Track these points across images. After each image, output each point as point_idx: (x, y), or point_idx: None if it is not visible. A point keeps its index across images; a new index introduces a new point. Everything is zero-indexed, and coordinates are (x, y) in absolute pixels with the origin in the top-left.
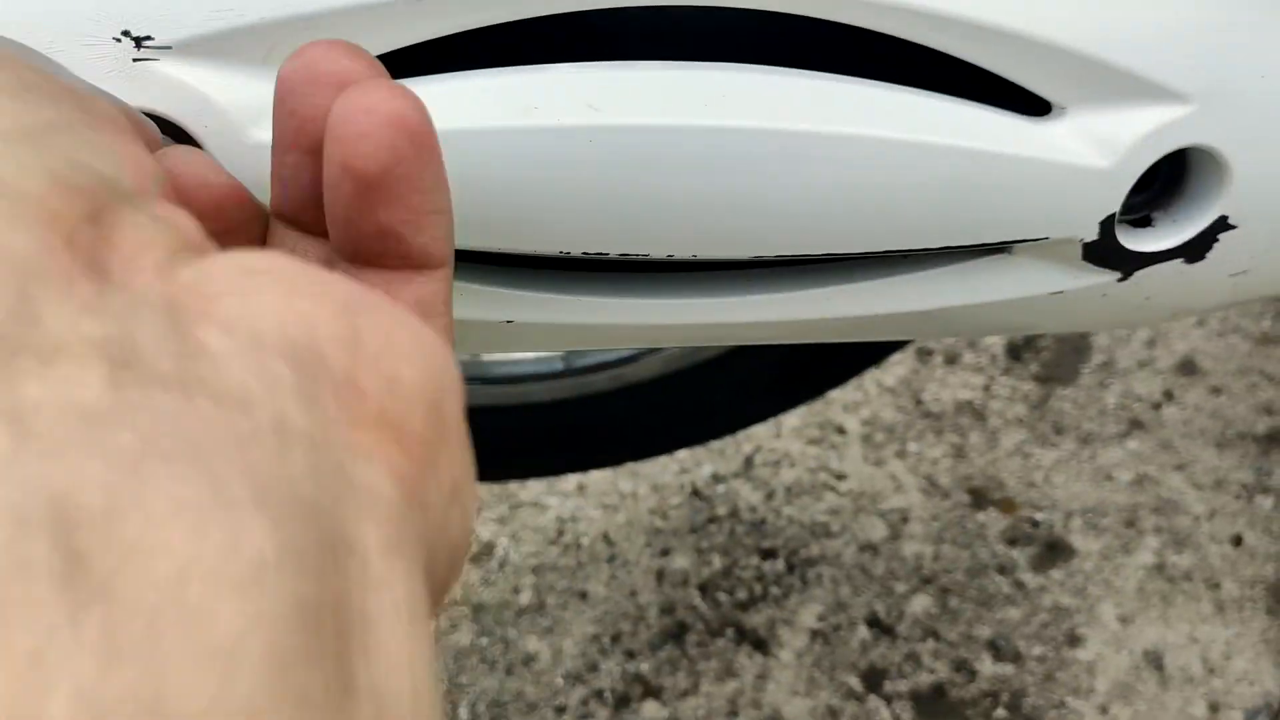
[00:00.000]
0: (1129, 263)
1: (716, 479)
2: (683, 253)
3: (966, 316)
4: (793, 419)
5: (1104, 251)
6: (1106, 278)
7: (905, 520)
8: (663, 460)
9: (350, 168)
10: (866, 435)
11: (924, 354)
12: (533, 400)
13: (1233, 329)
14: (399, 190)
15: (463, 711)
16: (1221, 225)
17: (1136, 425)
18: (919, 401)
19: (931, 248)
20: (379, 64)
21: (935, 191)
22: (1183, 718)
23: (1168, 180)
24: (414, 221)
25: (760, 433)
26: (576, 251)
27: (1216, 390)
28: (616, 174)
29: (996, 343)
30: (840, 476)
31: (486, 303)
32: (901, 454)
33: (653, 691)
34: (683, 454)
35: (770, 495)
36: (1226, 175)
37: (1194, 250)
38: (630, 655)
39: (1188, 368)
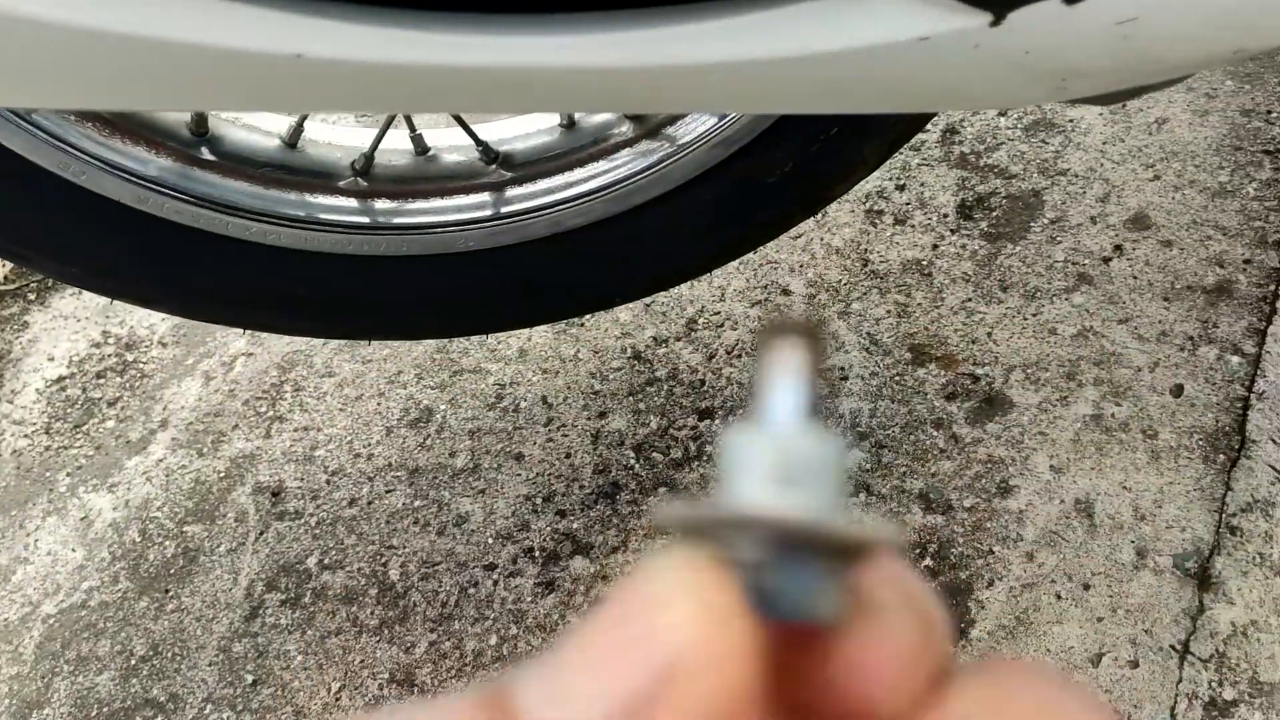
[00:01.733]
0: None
1: (658, 342)
2: None
3: (829, 70)
4: (738, 281)
5: None
6: (977, 20)
7: (845, 378)
8: (604, 324)
9: None
10: (811, 296)
11: (874, 215)
12: (461, 250)
13: (1189, 182)
14: None
15: (393, 572)
16: None
17: (1084, 280)
18: (866, 262)
19: None
20: None
21: None
22: (1109, 564)
23: None
24: None
25: (704, 295)
26: None
27: (1167, 244)
28: None
29: (948, 201)
30: None
31: (272, 30)
32: (845, 314)
33: (582, 548)
34: (624, 317)
35: (711, 356)
36: None
37: None
38: (562, 514)
39: (1140, 222)
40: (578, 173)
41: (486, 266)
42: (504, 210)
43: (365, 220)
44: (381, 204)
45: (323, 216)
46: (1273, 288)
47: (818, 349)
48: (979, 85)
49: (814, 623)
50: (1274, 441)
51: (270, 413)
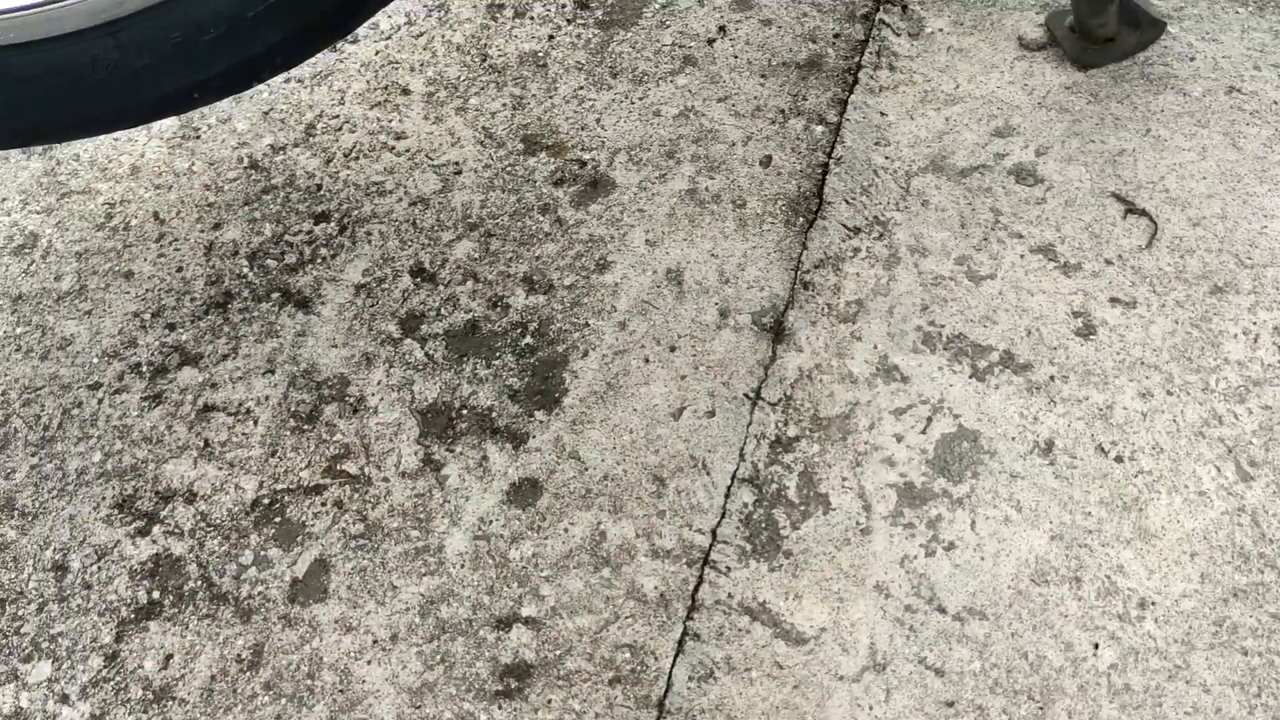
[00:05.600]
0: None
1: (275, 149)
2: None
3: None
4: (358, 84)
5: None
6: None
7: (459, 173)
8: (221, 135)
9: None
10: (430, 94)
11: (495, 9)
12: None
13: None
14: None
15: None
16: None
17: (689, 62)
18: (485, 57)
19: None
20: None
21: None
22: (694, 326)
23: None
24: None
25: (323, 100)
26: None
27: (767, 23)
28: None
29: None
30: (400, 136)
31: None
32: (462, 109)
33: (191, 359)
34: (242, 127)
35: (329, 160)
36: None
37: None
38: (171, 328)
39: (743, 2)
40: None
41: (38, 59)
42: None
43: None
44: None
45: None
46: (856, 60)
47: None
48: None
49: None
50: (847, 202)
51: None
